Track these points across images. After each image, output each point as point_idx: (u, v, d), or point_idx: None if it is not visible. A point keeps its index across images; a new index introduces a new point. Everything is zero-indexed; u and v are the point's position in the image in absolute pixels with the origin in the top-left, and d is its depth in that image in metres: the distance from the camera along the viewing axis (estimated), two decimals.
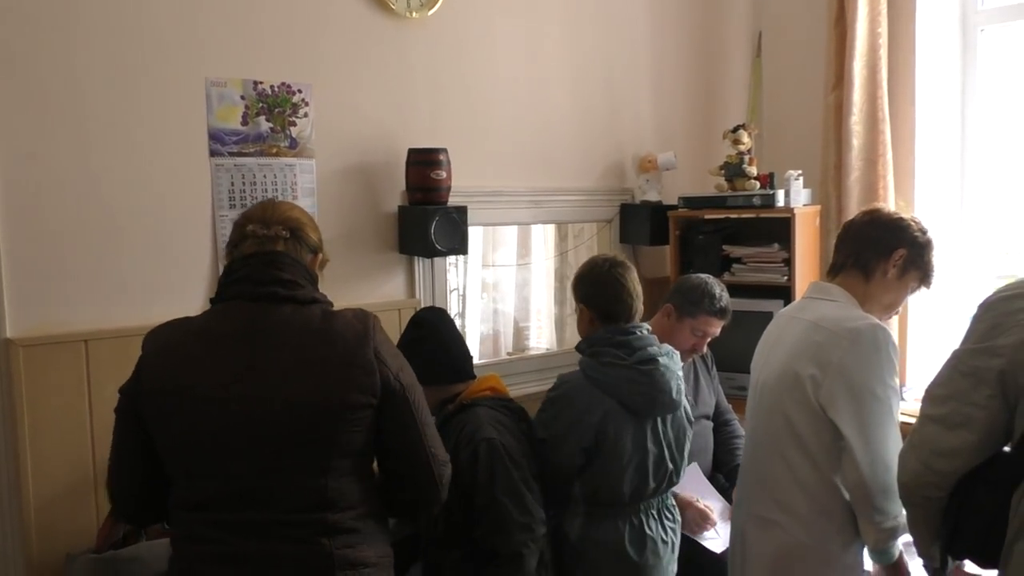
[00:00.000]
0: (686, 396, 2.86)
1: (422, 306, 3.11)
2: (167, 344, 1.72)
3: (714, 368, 3.23)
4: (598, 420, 2.27)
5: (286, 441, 1.64)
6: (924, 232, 2.24)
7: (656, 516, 2.41)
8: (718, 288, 2.87)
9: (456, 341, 2.42)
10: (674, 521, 2.47)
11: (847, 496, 2.12)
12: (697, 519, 2.74)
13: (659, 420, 2.36)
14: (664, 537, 2.41)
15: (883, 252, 2.21)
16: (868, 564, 2.22)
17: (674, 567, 2.46)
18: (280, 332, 1.69)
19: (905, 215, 2.27)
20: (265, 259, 1.74)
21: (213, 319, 1.73)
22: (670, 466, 2.39)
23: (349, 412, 1.68)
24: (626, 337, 2.35)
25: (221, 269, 2.63)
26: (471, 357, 2.45)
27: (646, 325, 2.44)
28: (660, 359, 2.34)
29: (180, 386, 1.66)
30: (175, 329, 1.74)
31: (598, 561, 2.32)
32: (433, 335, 2.37)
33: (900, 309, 2.35)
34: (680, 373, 2.42)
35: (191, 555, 1.66)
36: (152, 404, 1.68)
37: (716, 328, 2.88)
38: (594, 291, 2.43)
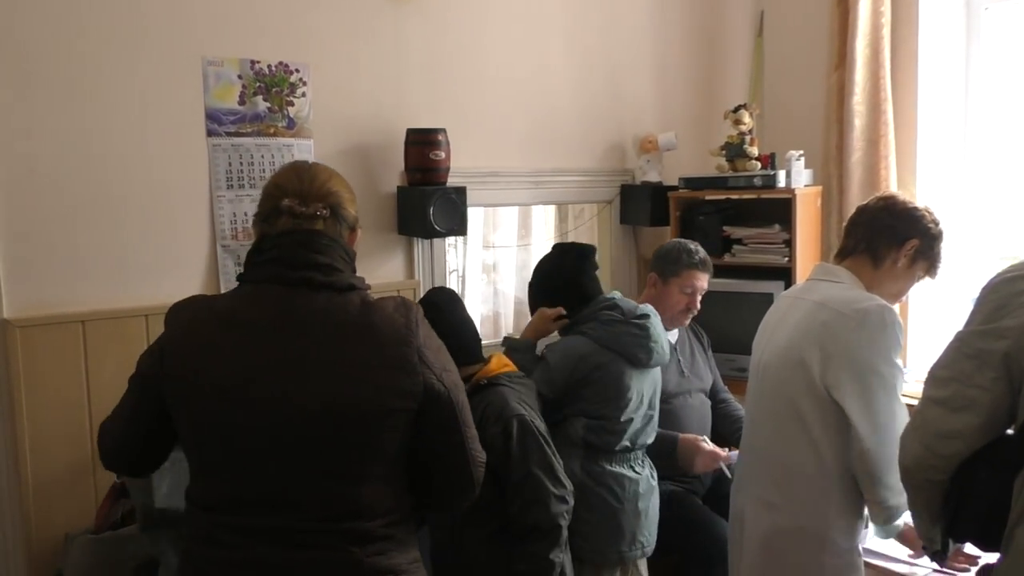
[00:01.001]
0: (685, 368, 2.91)
1: (421, 287, 3.10)
2: (191, 326, 1.58)
3: (710, 349, 3.25)
4: (606, 362, 2.53)
5: (316, 445, 1.52)
6: (937, 223, 2.24)
7: (641, 461, 2.65)
8: (692, 244, 3.01)
9: (466, 323, 2.42)
10: (654, 468, 2.71)
11: (847, 478, 2.13)
12: (708, 462, 2.82)
13: (652, 374, 2.63)
14: (652, 482, 2.66)
15: (895, 241, 2.21)
16: (867, 543, 2.23)
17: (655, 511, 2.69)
18: (314, 324, 1.55)
19: (920, 205, 2.26)
20: (302, 238, 1.60)
21: (241, 303, 1.59)
22: (654, 414, 2.68)
23: (386, 418, 1.55)
24: (613, 301, 2.64)
25: (219, 249, 2.67)
26: (480, 339, 2.46)
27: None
28: (652, 316, 2.63)
29: (202, 377, 1.54)
30: (200, 309, 1.61)
31: (597, 503, 2.52)
32: (444, 317, 2.32)
33: (905, 297, 2.35)
34: (663, 331, 2.67)
35: (207, 559, 1.55)
36: (174, 391, 1.56)
37: (702, 281, 2.98)
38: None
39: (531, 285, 2.84)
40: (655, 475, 2.71)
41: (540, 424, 2.27)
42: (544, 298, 2.76)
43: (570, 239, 3.97)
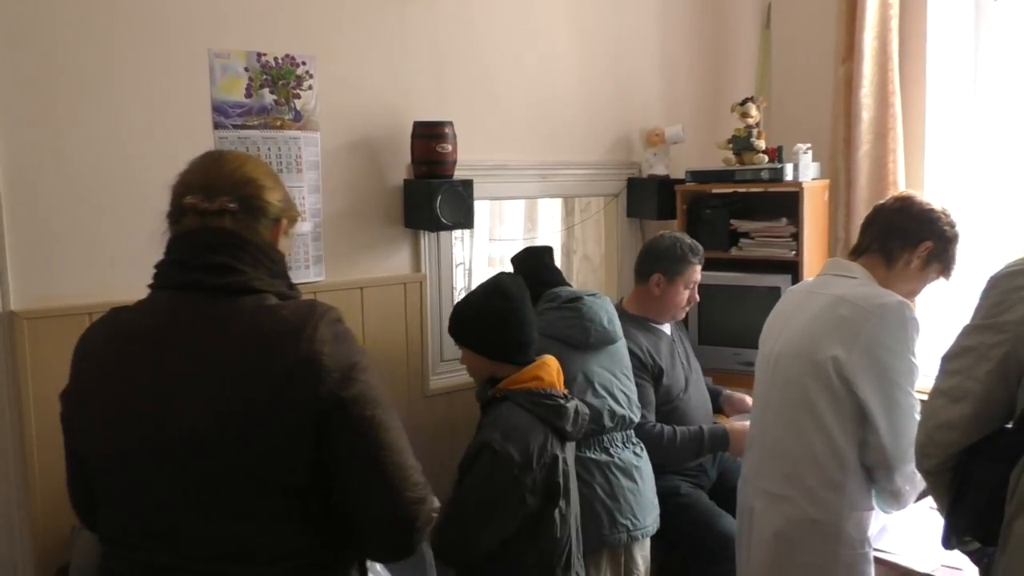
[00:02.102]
0: (684, 361, 2.92)
1: (428, 280, 3.11)
2: (90, 342, 1.45)
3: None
4: (543, 348, 2.40)
5: (193, 474, 1.31)
6: (952, 226, 2.25)
7: (619, 443, 2.65)
8: (687, 239, 3.06)
9: (513, 323, 2.24)
10: (639, 447, 2.72)
11: (860, 471, 2.14)
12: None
13: (606, 354, 2.66)
14: (636, 461, 2.66)
15: (909, 242, 2.22)
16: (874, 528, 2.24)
17: (653, 496, 2.70)
18: (197, 335, 1.35)
19: (936, 206, 2.27)
20: (204, 239, 1.41)
21: (138, 313, 1.43)
22: (629, 394, 2.68)
23: (273, 439, 1.31)
24: (552, 291, 2.72)
25: None
26: (526, 344, 2.27)
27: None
28: (585, 298, 2.67)
29: (89, 397, 1.40)
30: (105, 324, 1.45)
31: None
32: (499, 310, 2.25)
33: (917, 298, 2.35)
34: (611, 309, 2.72)
35: None
36: (68, 415, 1.44)
37: (699, 274, 3.07)
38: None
39: None
40: (643, 456, 2.70)
41: (517, 457, 2.05)
42: None
43: (576, 232, 3.98)
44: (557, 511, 2.13)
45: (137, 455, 1.34)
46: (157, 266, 1.45)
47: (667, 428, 2.86)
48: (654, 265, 3.00)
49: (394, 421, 1.41)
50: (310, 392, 1.32)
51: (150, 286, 1.45)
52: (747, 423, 2.82)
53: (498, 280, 2.34)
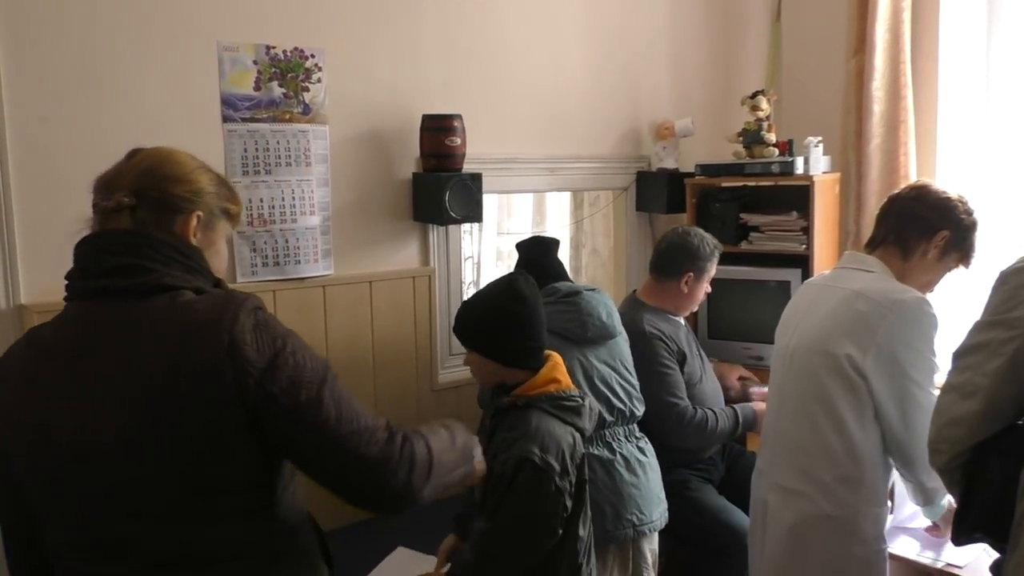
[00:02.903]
0: (697, 347, 2.93)
1: (437, 274, 3.10)
2: (4, 366, 1.38)
3: None
4: None
5: (127, 481, 1.27)
6: (970, 214, 2.22)
7: (621, 437, 2.63)
8: (707, 234, 3.08)
9: (529, 328, 2.12)
10: (644, 441, 2.70)
11: (876, 466, 2.13)
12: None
13: (605, 348, 2.64)
14: (641, 456, 2.64)
15: (925, 232, 2.19)
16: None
17: (660, 490, 2.69)
18: (109, 340, 1.30)
19: (952, 195, 2.24)
20: (100, 241, 1.36)
21: (50, 328, 1.38)
22: (630, 389, 2.66)
23: (207, 439, 1.27)
24: (552, 285, 2.68)
25: (235, 236, 2.67)
26: (541, 348, 2.15)
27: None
28: (583, 292, 2.65)
29: (9, 420, 1.34)
30: (20, 346, 1.40)
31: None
32: (515, 313, 2.13)
33: (935, 288, 2.33)
34: (610, 304, 2.70)
35: None
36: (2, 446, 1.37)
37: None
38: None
39: None
40: (647, 449, 2.69)
41: (557, 466, 1.99)
42: None
43: (585, 226, 3.97)
44: (584, 509, 2.12)
45: (70, 471, 1.29)
46: (66, 277, 1.38)
47: (708, 412, 2.89)
48: (685, 263, 2.98)
49: (330, 391, 1.35)
50: (236, 388, 1.27)
51: (64, 299, 1.38)
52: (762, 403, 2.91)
53: (512, 281, 2.19)
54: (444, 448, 1.52)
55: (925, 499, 2.21)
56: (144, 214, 1.36)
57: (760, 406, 2.95)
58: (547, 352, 2.18)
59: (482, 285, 4.05)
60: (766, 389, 3.09)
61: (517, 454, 1.98)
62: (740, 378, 3.32)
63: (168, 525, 1.29)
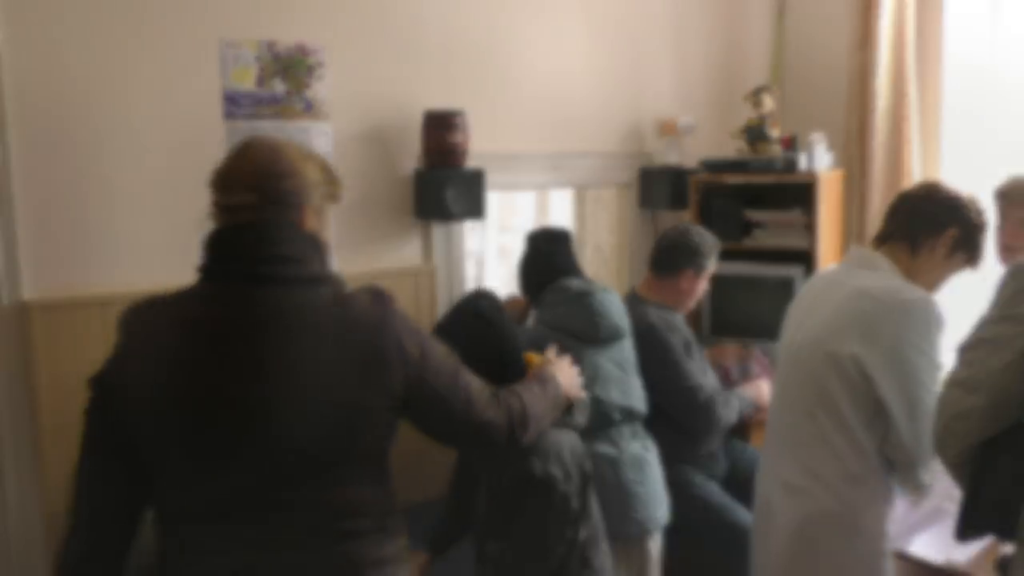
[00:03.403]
0: (695, 341, 2.96)
1: (439, 271, 3.10)
2: (152, 334, 1.50)
3: None
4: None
5: (297, 450, 1.45)
6: (980, 213, 2.22)
7: (627, 435, 2.64)
8: (707, 232, 3.09)
9: (491, 347, 2.10)
10: (648, 440, 2.70)
11: (879, 464, 2.13)
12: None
13: (615, 348, 2.64)
14: (646, 454, 2.65)
15: (934, 229, 2.19)
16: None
17: (663, 488, 2.68)
18: (278, 320, 1.46)
19: (963, 194, 2.23)
20: (256, 233, 1.49)
21: (202, 305, 1.50)
22: (636, 388, 2.67)
23: (366, 417, 1.50)
24: (562, 283, 2.69)
25: None
26: (511, 362, 2.10)
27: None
28: (596, 293, 2.66)
29: (172, 387, 1.45)
30: (159, 314, 1.51)
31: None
32: (484, 337, 2.12)
33: (943, 287, 2.32)
34: (620, 304, 2.72)
35: (191, 570, 1.49)
36: (139, 407, 1.47)
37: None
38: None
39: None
40: (651, 448, 2.70)
41: (559, 474, 2.00)
42: (521, 286, 2.91)
43: (588, 222, 3.96)
44: (593, 494, 2.13)
45: (243, 437, 1.44)
46: (211, 260, 1.52)
47: (725, 392, 2.98)
48: (687, 261, 2.98)
49: (462, 374, 1.66)
50: (400, 374, 1.51)
51: (202, 279, 1.52)
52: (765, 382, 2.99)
53: (475, 306, 2.19)
54: (536, 401, 1.82)
55: (918, 495, 2.21)
56: (266, 209, 1.50)
57: (756, 391, 3.07)
58: (528, 356, 2.16)
59: (484, 281, 4.07)
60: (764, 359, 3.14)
61: (517, 472, 1.98)
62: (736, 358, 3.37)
63: (323, 488, 1.48)
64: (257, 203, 1.49)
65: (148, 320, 1.51)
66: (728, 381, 3.26)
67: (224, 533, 1.47)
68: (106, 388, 1.51)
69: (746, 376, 3.31)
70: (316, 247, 1.55)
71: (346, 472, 1.50)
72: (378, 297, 1.55)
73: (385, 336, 1.51)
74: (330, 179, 1.64)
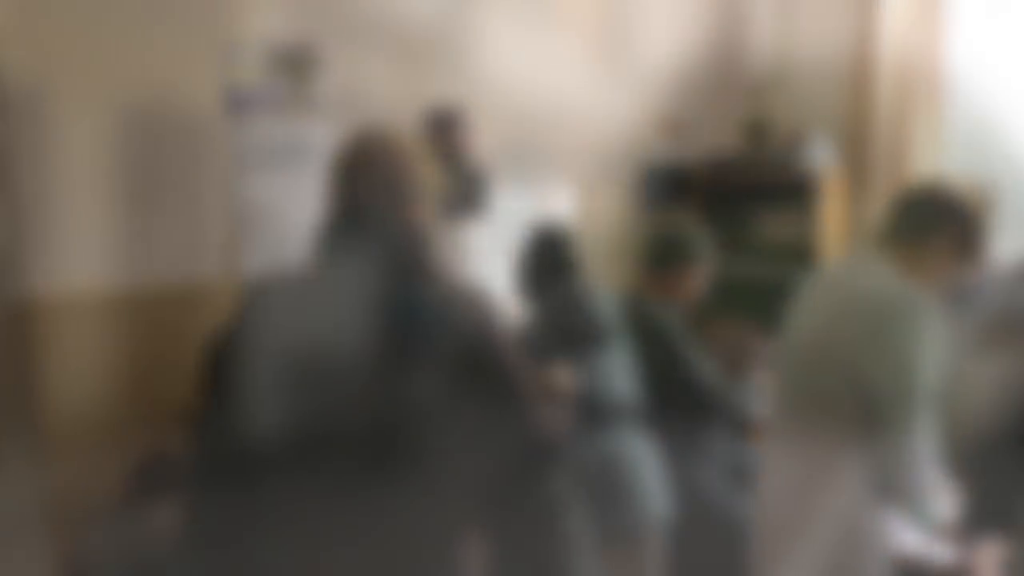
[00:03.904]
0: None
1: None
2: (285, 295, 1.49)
3: None
4: None
5: None
6: (983, 215, 2.21)
7: (629, 435, 2.63)
8: (704, 230, 3.05)
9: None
10: (650, 446, 2.68)
11: (879, 465, 2.12)
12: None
13: (613, 348, 2.63)
14: (645, 454, 2.64)
15: (936, 229, 2.18)
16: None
17: (663, 486, 2.67)
18: None
19: (965, 194, 2.23)
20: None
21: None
22: (634, 386, 2.66)
23: None
24: (563, 283, 2.68)
25: (239, 229, 2.67)
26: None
27: None
28: (594, 292, 2.67)
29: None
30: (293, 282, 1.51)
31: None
32: None
33: (943, 288, 2.32)
34: (617, 304, 2.72)
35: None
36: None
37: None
38: None
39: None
40: (650, 447, 2.69)
41: None
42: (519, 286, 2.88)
43: (589, 220, 3.96)
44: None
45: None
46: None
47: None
48: (687, 259, 2.99)
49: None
50: None
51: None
52: None
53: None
54: None
55: (917, 512, 2.12)
56: (384, 202, 1.52)
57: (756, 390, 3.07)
58: None
59: (486, 281, 4.07)
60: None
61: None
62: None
63: None
64: (373, 195, 1.55)
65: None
66: (727, 369, 3.27)
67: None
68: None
69: (744, 358, 3.31)
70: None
71: None
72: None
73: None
74: (434, 172, 1.70)
